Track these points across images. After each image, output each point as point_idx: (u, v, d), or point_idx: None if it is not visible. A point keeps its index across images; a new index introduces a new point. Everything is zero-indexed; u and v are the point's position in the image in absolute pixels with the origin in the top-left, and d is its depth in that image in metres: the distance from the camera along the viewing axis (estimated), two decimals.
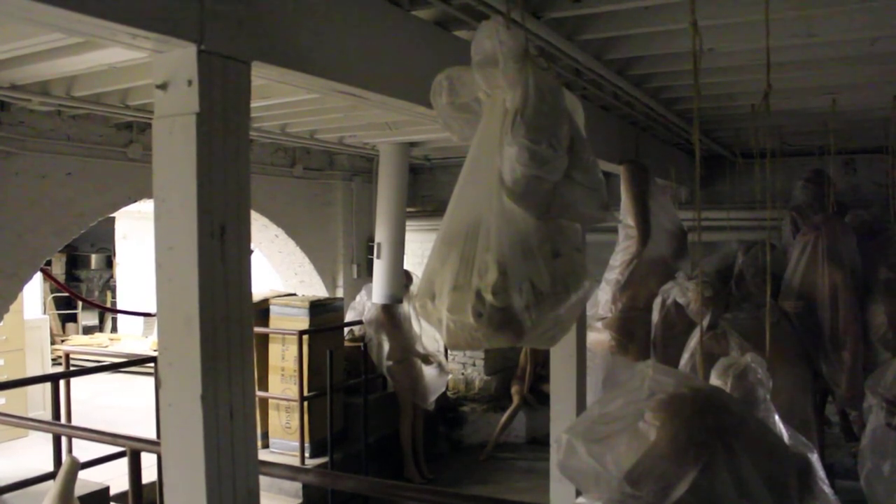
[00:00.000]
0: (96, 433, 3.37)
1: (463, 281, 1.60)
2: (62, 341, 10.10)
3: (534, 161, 1.57)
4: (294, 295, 5.98)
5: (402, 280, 6.08)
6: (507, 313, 1.58)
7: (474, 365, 7.74)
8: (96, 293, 12.68)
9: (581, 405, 3.82)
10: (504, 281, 1.56)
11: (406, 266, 6.38)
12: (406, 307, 6.24)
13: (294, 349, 5.31)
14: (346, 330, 6.13)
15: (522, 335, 1.64)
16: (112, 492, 4.03)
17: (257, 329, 5.08)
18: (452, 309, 1.61)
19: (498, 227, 1.60)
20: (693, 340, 3.55)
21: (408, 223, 6.27)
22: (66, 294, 10.83)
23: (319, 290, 6.87)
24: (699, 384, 1.62)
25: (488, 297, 1.57)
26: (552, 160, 1.59)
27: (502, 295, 1.56)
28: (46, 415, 5.14)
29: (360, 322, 6.20)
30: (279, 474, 3.14)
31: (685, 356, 3.56)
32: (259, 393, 4.92)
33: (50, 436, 3.85)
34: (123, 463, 3.27)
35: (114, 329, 11.78)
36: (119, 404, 7.45)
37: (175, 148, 1.66)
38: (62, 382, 4.25)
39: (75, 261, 12.94)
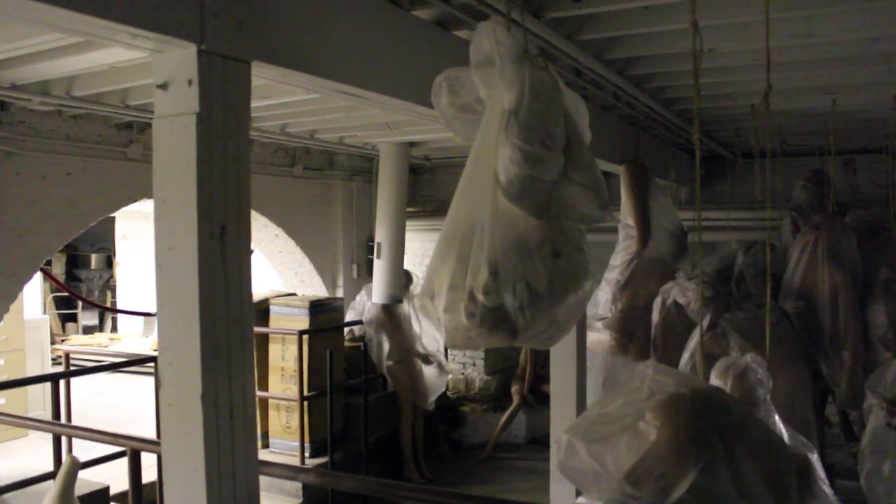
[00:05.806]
0: (96, 433, 3.37)
1: (458, 281, 1.60)
2: (62, 341, 10.10)
3: (527, 161, 1.57)
4: (294, 295, 5.98)
5: (402, 280, 6.07)
6: (498, 314, 1.58)
7: (474, 365, 7.74)
8: (96, 293, 12.69)
9: (581, 405, 3.83)
10: (495, 281, 1.56)
11: (406, 266, 6.37)
12: (406, 307, 6.24)
13: (294, 349, 5.31)
14: (346, 330, 6.13)
15: (516, 335, 1.63)
16: (112, 492, 4.03)
17: (257, 329, 5.08)
18: (447, 308, 1.61)
19: (491, 227, 1.60)
20: (693, 340, 3.55)
21: (408, 223, 6.27)
22: (66, 294, 10.83)
23: (319, 290, 6.87)
24: (699, 384, 1.62)
25: (479, 296, 1.56)
26: (546, 160, 1.59)
27: (493, 295, 1.56)
28: (46, 415, 5.14)
29: (360, 322, 6.20)
30: (279, 474, 3.14)
31: (685, 356, 3.55)
32: (259, 393, 4.91)
33: (50, 436, 3.85)
34: (123, 463, 3.26)
35: (114, 329, 11.78)
36: (119, 404, 7.46)
37: (175, 148, 1.66)
38: (62, 382, 4.24)
39: (75, 261, 12.95)
